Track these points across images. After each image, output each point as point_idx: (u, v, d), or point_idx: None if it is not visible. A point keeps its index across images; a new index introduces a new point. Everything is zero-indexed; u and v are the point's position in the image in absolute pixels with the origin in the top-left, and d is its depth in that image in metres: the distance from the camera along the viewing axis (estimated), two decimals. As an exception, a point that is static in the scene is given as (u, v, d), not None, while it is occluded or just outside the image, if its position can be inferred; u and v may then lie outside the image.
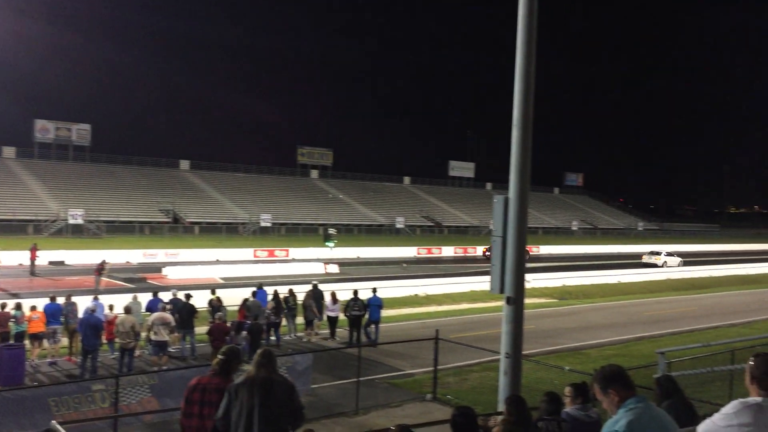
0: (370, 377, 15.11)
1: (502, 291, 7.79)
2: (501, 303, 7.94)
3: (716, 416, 3.81)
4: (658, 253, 56.69)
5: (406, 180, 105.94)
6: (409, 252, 56.11)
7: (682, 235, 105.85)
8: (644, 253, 57.85)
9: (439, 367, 14.75)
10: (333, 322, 20.50)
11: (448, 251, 60.10)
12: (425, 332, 18.08)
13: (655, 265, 52.41)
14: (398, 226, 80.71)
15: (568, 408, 6.35)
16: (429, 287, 31.99)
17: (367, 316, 19.94)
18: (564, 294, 33.55)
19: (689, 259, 57.09)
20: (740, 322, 26.57)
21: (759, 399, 3.79)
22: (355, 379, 13.43)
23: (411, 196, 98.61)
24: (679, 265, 53.49)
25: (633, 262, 53.02)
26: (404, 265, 45.51)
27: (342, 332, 20.62)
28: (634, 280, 40.26)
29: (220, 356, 5.99)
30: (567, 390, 6.57)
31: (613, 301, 32.56)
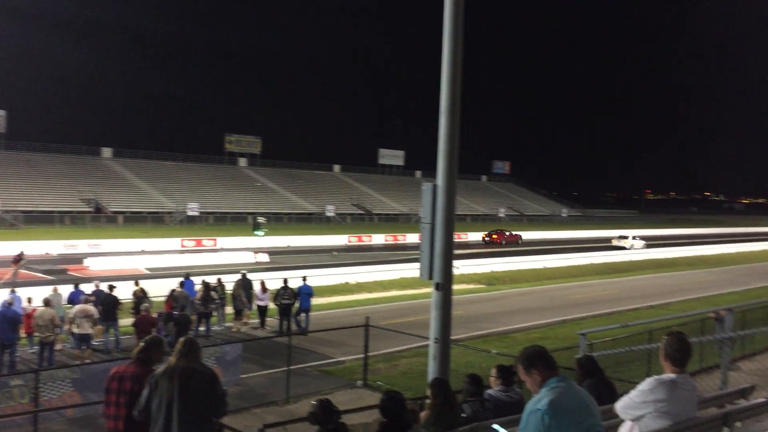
0: (300, 366, 15.06)
1: (431, 277, 7.87)
2: (430, 289, 8.02)
3: (633, 393, 3.99)
4: (625, 237, 62.00)
5: (336, 168, 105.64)
6: (339, 240, 56.06)
7: (604, 221, 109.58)
8: (614, 237, 63.15)
9: (370, 354, 14.84)
10: (263, 311, 20.33)
11: (378, 239, 60.36)
12: (356, 320, 18.13)
13: (623, 248, 57.18)
14: (328, 214, 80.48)
15: (492, 389, 6.52)
16: (359, 275, 32.07)
17: (297, 304, 19.86)
18: (492, 279, 34.21)
19: (609, 244, 59.12)
20: (657, 303, 27.74)
21: (672, 375, 3.99)
22: (286, 368, 13.36)
23: (341, 184, 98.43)
24: (642, 248, 57.83)
25: (558, 247, 54.58)
26: (335, 253, 45.45)
27: (272, 321, 20.47)
28: (560, 265, 41.46)
29: (141, 344, 5.89)
30: (492, 371, 6.74)
31: (538, 285, 33.43)
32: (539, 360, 3.53)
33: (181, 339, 5.75)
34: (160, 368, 5.50)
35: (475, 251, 48.11)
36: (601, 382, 6.22)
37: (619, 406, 4.07)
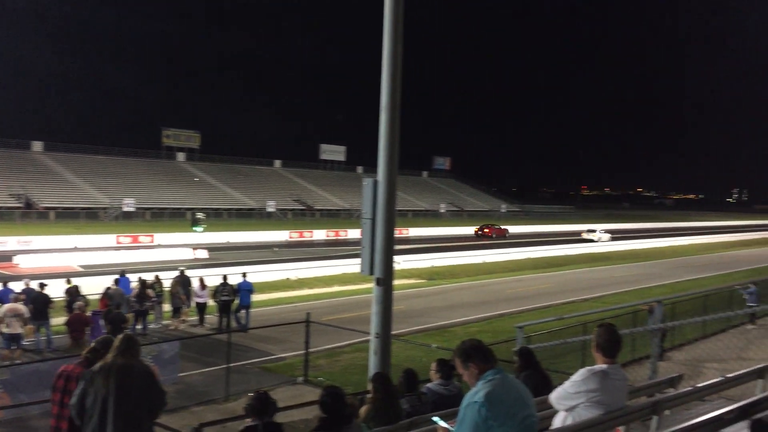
0: (240, 363, 14.89)
1: (371, 272, 7.88)
2: (371, 285, 8.05)
3: (567, 384, 4.10)
4: (593, 231, 68.02)
5: (277, 163, 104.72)
6: (280, 236, 55.64)
7: (541, 216, 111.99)
8: (583, 231, 68.88)
9: (311, 350, 14.80)
10: (202, 308, 20.00)
11: (319, 234, 60.17)
12: (297, 316, 18.03)
13: (591, 240, 63.15)
14: (269, 209, 79.70)
15: (432, 383, 6.60)
16: (301, 271, 31.92)
17: (237, 301, 19.63)
18: (433, 274, 34.54)
19: (547, 239, 60.43)
20: (591, 296, 28.52)
21: (604, 366, 4.12)
22: (225, 366, 13.21)
23: (282, 180, 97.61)
24: (608, 240, 63.65)
25: (499, 242, 55.42)
26: (275, 249, 45.08)
27: (212, 318, 20.17)
28: (498, 260, 42.16)
29: (92, 344, 5.79)
30: (433, 365, 6.83)
31: (478, 280, 33.91)
32: (476, 353, 3.59)
33: (120, 336, 5.66)
34: (97, 365, 5.39)
35: (417, 246, 48.45)
36: (536, 374, 6.36)
37: (553, 397, 4.18)
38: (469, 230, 70.24)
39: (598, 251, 51.41)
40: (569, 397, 4.04)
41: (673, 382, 5.67)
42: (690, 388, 5.12)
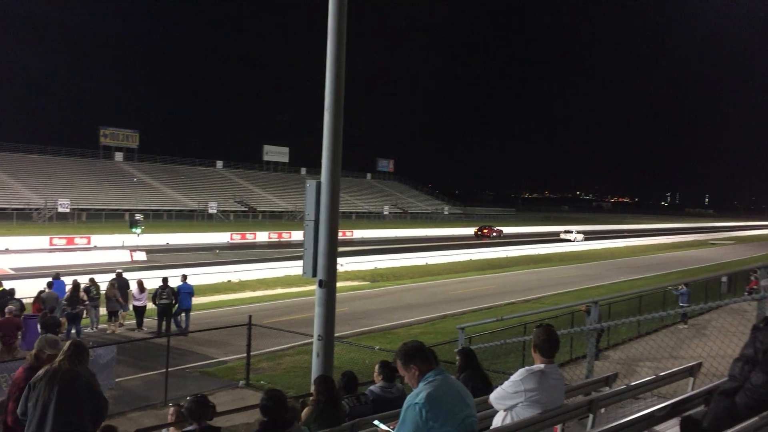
0: (180, 367, 14.64)
1: (314, 275, 7.85)
2: (314, 287, 8.01)
3: (506, 384, 4.17)
4: (570, 232, 74.46)
5: (219, 164, 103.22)
6: (222, 238, 54.86)
7: (483, 218, 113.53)
8: (561, 231, 76.11)
9: (253, 353, 14.64)
10: (140, 312, 19.54)
11: (262, 236, 59.57)
12: (238, 318, 17.83)
13: (569, 240, 69.20)
14: (211, 211, 78.47)
15: (374, 385, 6.62)
16: (243, 273, 31.57)
17: (177, 304, 19.26)
18: (376, 276, 34.63)
19: (489, 241, 61.31)
20: (532, 297, 29.07)
21: (542, 366, 4.20)
22: (164, 370, 12.93)
23: (224, 181, 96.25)
24: (582, 240, 70.29)
25: (442, 244, 55.91)
26: (217, 251, 44.44)
27: (151, 322, 19.74)
28: (441, 262, 42.56)
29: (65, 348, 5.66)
30: (375, 367, 6.85)
31: (421, 282, 34.15)
32: (417, 355, 3.61)
33: (68, 341, 5.60)
34: (42, 370, 5.32)
35: (360, 248, 48.46)
36: (476, 375, 6.44)
37: (493, 397, 4.25)
38: (413, 232, 70.76)
39: (537, 253, 52.41)
40: (508, 396, 4.10)
41: (608, 380, 5.82)
42: (624, 387, 5.26)
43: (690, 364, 5.62)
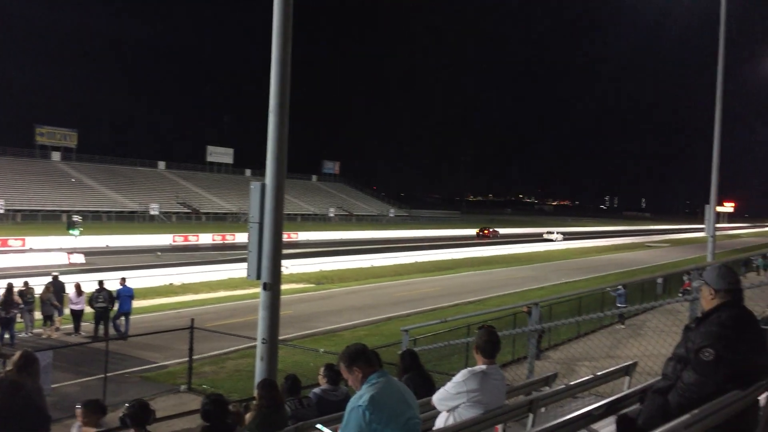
0: (119, 372, 14.29)
1: (258, 277, 7.78)
2: (259, 289, 7.95)
3: (448, 385, 4.22)
4: (552, 233, 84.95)
5: (161, 165, 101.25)
6: (164, 240, 53.80)
7: (429, 221, 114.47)
8: (544, 232, 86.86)
9: (195, 357, 14.42)
10: (77, 315, 19.00)
11: (206, 238, 58.65)
12: (180, 322, 17.52)
13: (551, 240, 78.20)
14: (152, 212, 76.91)
15: (318, 388, 6.60)
16: (185, 276, 31.05)
17: (116, 308, 18.80)
18: (321, 279, 34.51)
19: (434, 243, 61.81)
20: (475, 299, 29.43)
21: (484, 366, 4.27)
22: (102, 375, 12.61)
23: (166, 182, 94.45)
24: (563, 240, 79.68)
25: (388, 246, 56.10)
26: (159, 253, 43.52)
27: (89, 326, 19.21)
28: (387, 264, 42.69)
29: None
30: (320, 370, 6.83)
31: (366, 284, 34.19)
32: (360, 357, 3.62)
33: (19, 352, 5.50)
34: None
35: (306, 250, 48.21)
36: (419, 376, 6.49)
37: (436, 398, 4.29)
38: (359, 235, 70.84)
39: (480, 255, 53.08)
40: (451, 397, 4.15)
41: (548, 380, 5.94)
42: (563, 386, 5.38)
43: (626, 364, 5.78)
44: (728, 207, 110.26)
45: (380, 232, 77.77)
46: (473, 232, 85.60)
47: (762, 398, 3.84)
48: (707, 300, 3.68)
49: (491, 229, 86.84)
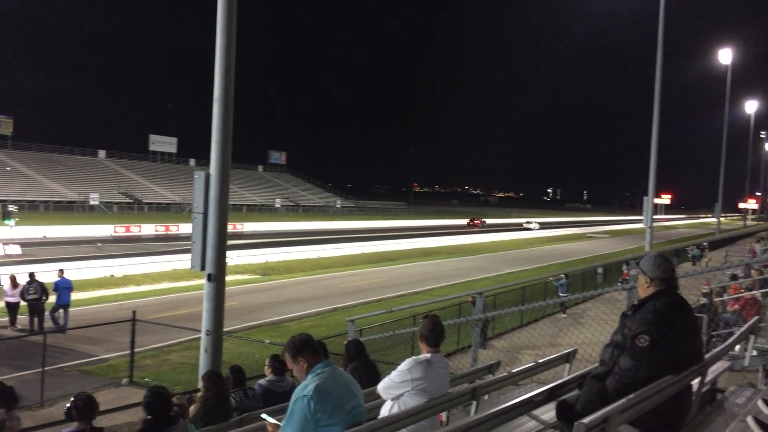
0: (57, 366, 13.96)
1: (203, 268, 7.72)
2: (203, 281, 7.88)
3: (393, 373, 4.26)
4: (531, 222, 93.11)
5: (102, 153, 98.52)
6: (105, 230, 52.46)
7: (376, 212, 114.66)
8: (523, 222, 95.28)
9: (137, 350, 14.20)
10: (13, 308, 18.39)
11: (148, 229, 57.43)
12: (122, 314, 17.17)
13: (529, 229, 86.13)
14: (92, 202, 74.82)
15: (264, 379, 6.58)
16: (127, 267, 30.40)
17: (53, 300, 18.30)
18: (267, 270, 34.25)
19: (381, 234, 61.97)
20: (422, 290, 29.67)
21: (428, 355, 4.32)
22: (40, 369, 12.28)
23: (107, 171, 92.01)
24: (539, 229, 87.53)
25: (332, 237, 55.99)
26: (99, 244, 42.44)
27: (25, 319, 18.64)
28: (334, 255, 42.63)
29: None
30: (266, 361, 6.81)
31: (313, 275, 34.09)
32: (305, 347, 3.62)
33: None
34: None
35: (251, 241, 47.73)
36: (365, 366, 6.52)
37: (381, 386, 4.32)
38: (306, 225, 70.55)
39: (428, 246, 53.49)
40: (395, 386, 4.19)
41: (491, 368, 6.04)
42: (506, 374, 5.48)
43: (566, 351, 5.92)
44: (665, 199, 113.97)
45: (327, 223, 77.52)
46: (420, 223, 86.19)
47: (695, 383, 4.00)
48: (643, 288, 3.80)
49: (480, 220, 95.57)
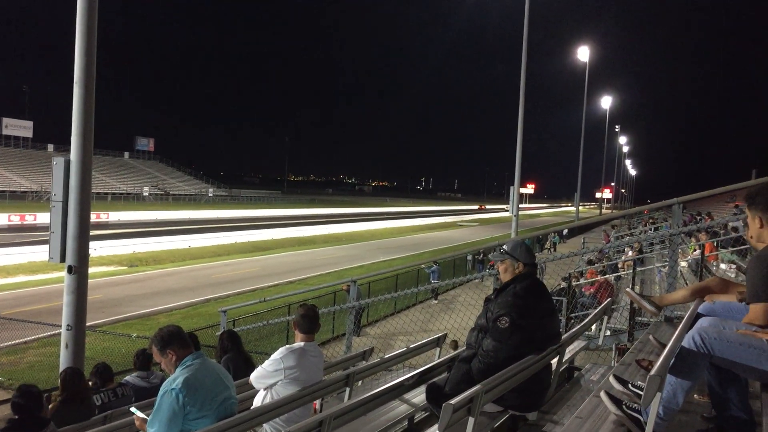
0: None
1: (63, 260, 7.34)
2: (63, 273, 7.48)
3: (266, 363, 4.25)
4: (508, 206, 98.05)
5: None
6: (-50, 220, 48.36)
7: (249, 201, 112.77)
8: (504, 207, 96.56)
9: (-11, 349, 13.25)
10: None
11: (2, 219, 53.41)
12: (-29, 311, 15.95)
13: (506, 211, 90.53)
14: (-65, 190, 68.62)
15: (131, 375, 6.35)
16: (-24, 260, 28.23)
17: None
18: (134, 261, 32.88)
19: (255, 223, 61.06)
20: (296, 279, 29.56)
21: (302, 343, 4.35)
22: None
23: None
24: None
25: (203, 227, 54.58)
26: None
27: None
28: (206, 245, 41.55)
29: None
30: (134, 357, 6.57)
31: (183, 266, 33.08)
32: (173, 340, 3.53)
33: None
34: None
35: (117, 231, 45.59)
36: (238, 357, 6.44)
37: (254, 377, 4.30)
38: (176, 215, 68.29)
39: (302, 235, 53.32)
40: (268, 375, 4.18)
41: (364, 355, 6.15)
42: (378, 360, 5.59)
43: (436, 336, 6.12)
44: (529, 188, 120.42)
45: (199, 212, 75.30)
46: (294, 212, 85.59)
47: (554, 362, 4.27)
48: (509, 272, 4.01)
49: (483, 206, 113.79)
